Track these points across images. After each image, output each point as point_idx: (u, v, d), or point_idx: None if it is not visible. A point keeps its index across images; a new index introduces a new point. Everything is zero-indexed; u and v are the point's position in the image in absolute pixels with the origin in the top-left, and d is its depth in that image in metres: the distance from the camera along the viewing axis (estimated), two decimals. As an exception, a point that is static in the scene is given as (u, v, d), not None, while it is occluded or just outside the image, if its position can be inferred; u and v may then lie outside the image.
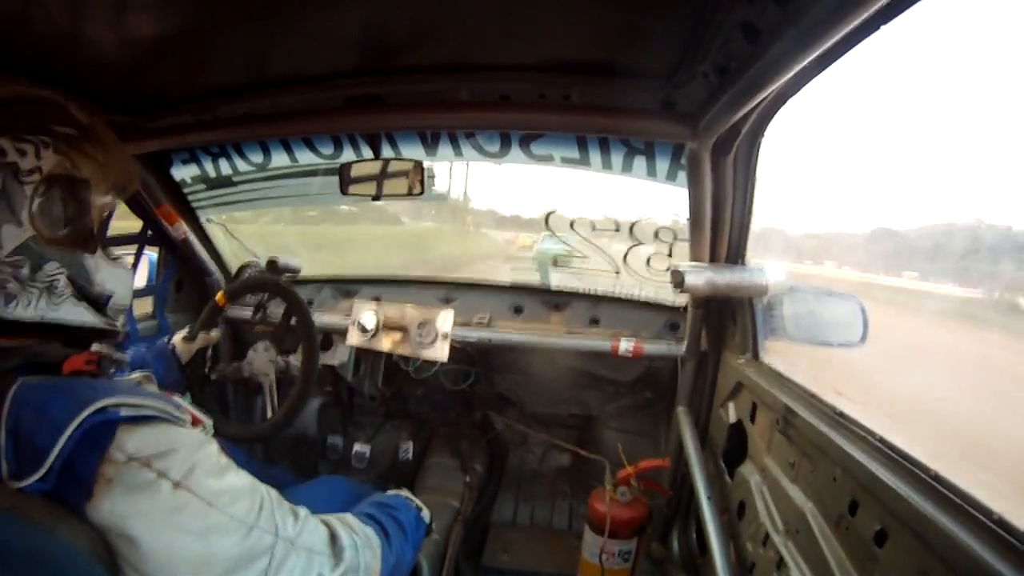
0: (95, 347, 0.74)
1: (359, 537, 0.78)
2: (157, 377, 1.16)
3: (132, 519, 0.58)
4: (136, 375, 1.02)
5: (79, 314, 0.71)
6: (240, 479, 0.68)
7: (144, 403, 0.63)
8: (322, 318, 1.92)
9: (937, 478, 0.70)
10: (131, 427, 0.61)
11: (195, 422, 0.72)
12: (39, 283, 0.66)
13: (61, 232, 0.69)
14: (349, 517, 0.82)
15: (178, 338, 1.55)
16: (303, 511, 0.74)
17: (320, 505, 0.90)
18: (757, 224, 1.32)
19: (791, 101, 0.98)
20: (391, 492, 1.05)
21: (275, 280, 1.70)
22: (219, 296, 1.65)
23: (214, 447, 0.68)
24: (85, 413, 0.58)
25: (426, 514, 1.04)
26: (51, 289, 0.67)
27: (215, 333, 1.65)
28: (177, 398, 0.72)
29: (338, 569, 0.72)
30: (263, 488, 0.71)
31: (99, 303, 0.74)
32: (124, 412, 0.61)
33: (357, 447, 2.19)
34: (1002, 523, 0.58)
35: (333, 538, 0.75)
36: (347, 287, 2.12)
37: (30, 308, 0.65)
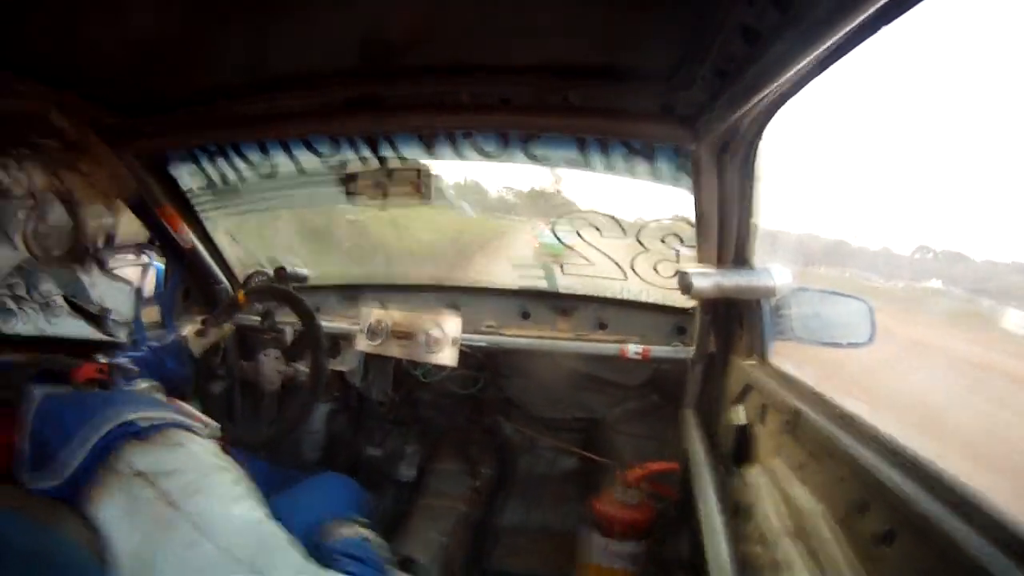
0: (103, 359, 0.76)
1: None
2: (167, 373, 1.17)
3: (123, 529, 0.59)
4: (144, 384, 1.03)
5: (77, 328, 0.73)
6: (250, 514, 0.66)
7: (158, 415, 0.66)
8: (329, 324, 1.92)
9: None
10: (144, 444, 0.62)
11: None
12: (36, 301, 0.68)
13: (55, 253, 0.71)
14: None
15: (189, 330, 1.49)
16: (313, 568, 0.69)
17: (324, 504, 0.90)
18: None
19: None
20: (343, 536, 0.95)
21: (287, 291, 1.70)
22: (240, 294, 1.65)
23: (230, 475, 0.67)
24: (105, 430, 0.60)
25: (369, 535, 0.98)
26: (48, 306, 0.69)
27: (228, 327, 1.63)
28: (183, 404, 0.73)
29: None
30: (271, 530, 0.67)
31: (98, 318, 0.76)
32: (141, 424, 0.63)
33: (367, 452, 2.19)
34: (1013, 527, 0.58)
35: None
36: (354, 293, 2.13)
37: (29, 324, 0.67)
